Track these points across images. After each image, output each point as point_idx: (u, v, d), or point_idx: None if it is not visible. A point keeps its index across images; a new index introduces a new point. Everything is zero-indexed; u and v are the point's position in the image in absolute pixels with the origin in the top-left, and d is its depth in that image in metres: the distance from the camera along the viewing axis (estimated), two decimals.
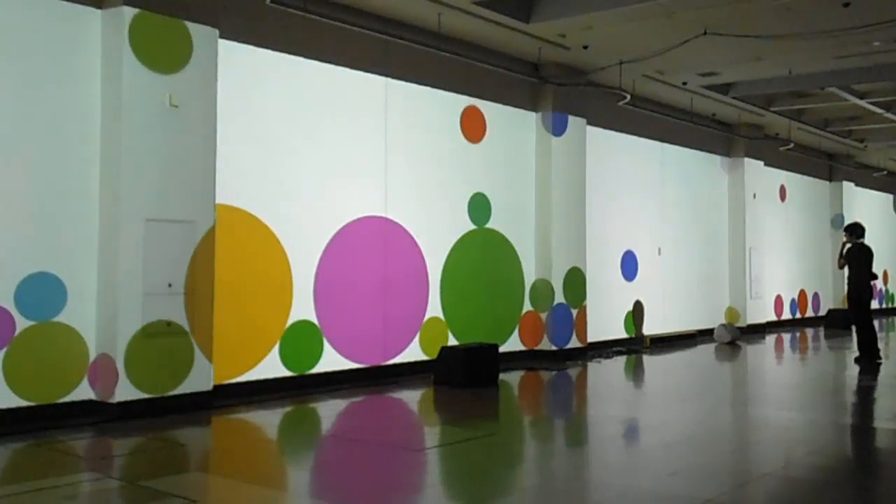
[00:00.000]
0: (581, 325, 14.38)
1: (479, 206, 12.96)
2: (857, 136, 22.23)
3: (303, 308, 10.41)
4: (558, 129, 14.00)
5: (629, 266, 16.52)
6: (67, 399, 8.23)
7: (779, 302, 22.01)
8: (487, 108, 13.18)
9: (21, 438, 7.45)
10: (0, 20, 7.91)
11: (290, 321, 10.26)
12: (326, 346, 10.65)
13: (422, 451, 7.54)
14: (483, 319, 12.93)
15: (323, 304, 10.61)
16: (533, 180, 14.07)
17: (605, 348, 15.28)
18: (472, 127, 12.89)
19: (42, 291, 8.07)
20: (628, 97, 14.81)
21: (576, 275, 14.28)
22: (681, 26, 11.79)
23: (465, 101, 12.75)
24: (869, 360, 13.43)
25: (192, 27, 8.93)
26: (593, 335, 14.93)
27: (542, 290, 13.92)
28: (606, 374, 12.67)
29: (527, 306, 13.87)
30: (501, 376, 11.54)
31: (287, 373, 10.22)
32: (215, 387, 9.16)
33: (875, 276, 14.01)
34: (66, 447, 7.26)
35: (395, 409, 9.78)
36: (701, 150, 18.84)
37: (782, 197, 22.23)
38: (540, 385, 11.59)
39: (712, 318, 18.89)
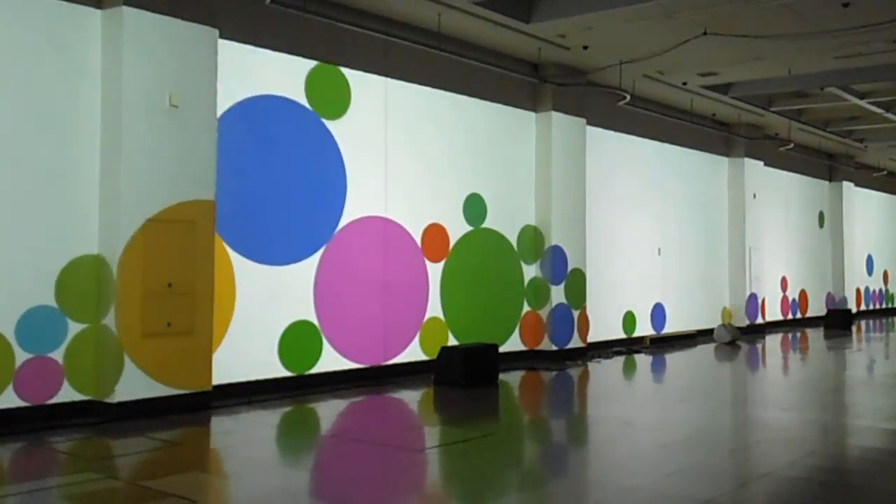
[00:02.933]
0: (583, 326, 14.40)
1: (478, 207, 12.96)
2: (857, 136, 22.23)
3: (302, 308, 10.41)
4: (557, 277, 14.00)
5: (659, 318, 17.01)
6: (68, 399, 8.23)
7: (784, 302, 22.04)
8: (487, 110, 13.21)
9: (21, 438, 7.45)
10: (0, 20, 7.92)
11: (289, 321, 10.27)
12: (326, 346, 10.65)
13: (421, 451, 7.55)
14: (483, 319, 12.93)
15: (323, 304, 10.61)
16: (533, 180, 14.08)
17: (606, 348, 15.28)
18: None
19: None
20: (628, 97, 14.81)
21: (576, 276, 14.28)
22: (681, 26, 11.79)
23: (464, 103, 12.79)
24: None
25: (192, 27, 8.93)
26: (593, 335, 14.94)
27: (541, 289, 13.92)
28: (606, 374, 12.67)
29: (527, 306, 13.87)
30: (501, 376, 11.54)
31: (287, 373, 10.22)
32: (215, 387, 9.16)
33: None
34: (65, 447, 7.26)
35: (395, 410, 9.78)
36: (701, 150, 18.84)
37: None
38: (540, 385, 11.59)
39: (712, 318, 18.90)
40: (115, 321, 8.30)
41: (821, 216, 24.20)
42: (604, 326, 15.50)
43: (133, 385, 8.35)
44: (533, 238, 13.95)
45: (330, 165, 10.80)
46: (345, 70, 10.98)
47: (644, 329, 16.72)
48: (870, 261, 27.28)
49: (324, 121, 10.73)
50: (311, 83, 10.57)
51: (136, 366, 8.37)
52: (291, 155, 10.35)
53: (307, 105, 10.52)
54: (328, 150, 10.78)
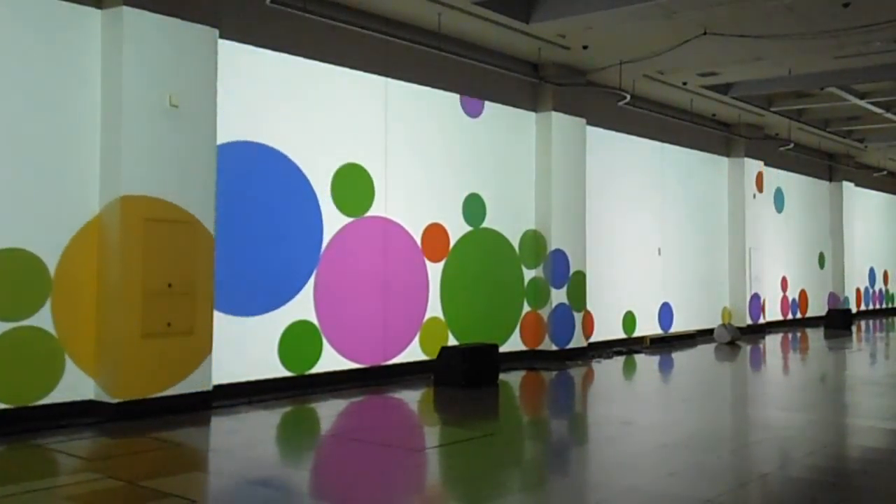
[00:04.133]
0: (587, 326, 14.42)
1: (477, 207, 12.96)
2: (857, 136, 22.23)
3: (302, 308, 10.41)
4: (559, 280, 13.94)
5: (666, 317, 17.18)
6: (67, 399, 8.23)
7: (784, 302, 22.04)
8: (487, 110, 13.21)
9: (22, 438, 7.45)
10: (0, 20, 7.92)
11: (289, 321, 10.27)
12: (326, 346, 10.65)
13: (421, 451, 7.55)
14: (483, 319, 12.93)
15: (323, 304, 10.61)
16: (533, 181, 14.07)
17: (606, 348, 15.28)
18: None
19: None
20: (628, 97, 14.81)
21: (578, 279, 14.26)
22: (681, 26, 11.79)
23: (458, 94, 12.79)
24: None
25: (192, 27, 8.93)
26: (593, 335, 14.94)
27: (541, 289, 13.91)
28: (606, 375, 12.67)
29: (527, 306, 13.86)
30: (502, 376, 11.54)
31: (287, 373, 10.22)
32: (215, 387, 9.16)
33: None
34: (66, 447, 7.25)
35: (395, 409, 9.78)
36: (701, 150, 18.85)
37: None
38: (540, 385, 11.59)
39: (712, 318, 18.90)
40: (52, 321, 8.10)
41: (821, 257, 24.23)
42: (604, 326, 15.50)
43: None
44: (534, 242, 13.94)
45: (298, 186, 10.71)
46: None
47: (646, 329, 16.72)
48: (872, 273, 27.34)
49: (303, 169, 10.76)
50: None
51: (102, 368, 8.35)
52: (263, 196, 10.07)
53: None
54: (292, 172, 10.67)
